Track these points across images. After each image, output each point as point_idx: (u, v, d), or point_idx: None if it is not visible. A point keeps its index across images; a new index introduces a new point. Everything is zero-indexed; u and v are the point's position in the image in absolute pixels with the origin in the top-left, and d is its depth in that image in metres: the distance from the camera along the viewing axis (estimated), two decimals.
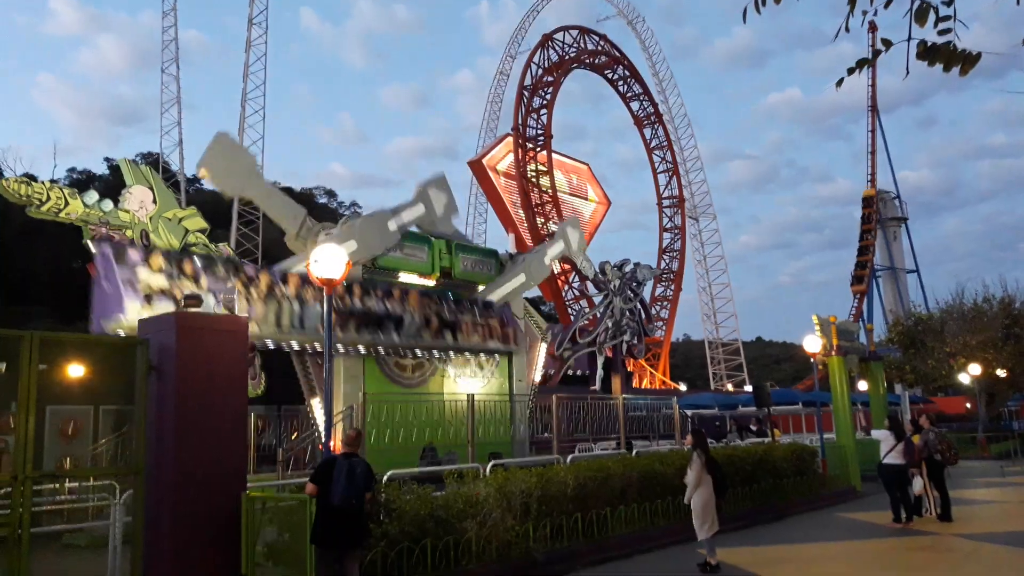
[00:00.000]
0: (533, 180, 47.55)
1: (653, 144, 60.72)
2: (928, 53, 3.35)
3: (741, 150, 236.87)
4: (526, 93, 49.65)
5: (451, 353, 18.81)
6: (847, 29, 3.47)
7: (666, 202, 60.09)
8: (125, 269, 12.94)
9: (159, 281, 13.15)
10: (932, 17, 3.25)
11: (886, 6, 3.42)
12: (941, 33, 3.31)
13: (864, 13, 3.43)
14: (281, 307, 15.08)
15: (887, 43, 3.39)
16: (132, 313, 12.30)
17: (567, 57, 53.26)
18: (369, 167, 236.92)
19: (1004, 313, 33.45)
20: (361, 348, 16.88)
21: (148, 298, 12.84)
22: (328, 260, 8.93)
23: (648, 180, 60.95)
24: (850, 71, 3.58)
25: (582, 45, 55.28)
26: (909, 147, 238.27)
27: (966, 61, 3.33)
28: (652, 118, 60.53)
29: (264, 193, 17.00)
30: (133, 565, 7.72)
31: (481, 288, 20.55)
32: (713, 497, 9.70)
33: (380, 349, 17.18)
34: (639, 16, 66.40)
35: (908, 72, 3.46)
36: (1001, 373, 33.01)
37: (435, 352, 18.46)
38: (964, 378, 33.46)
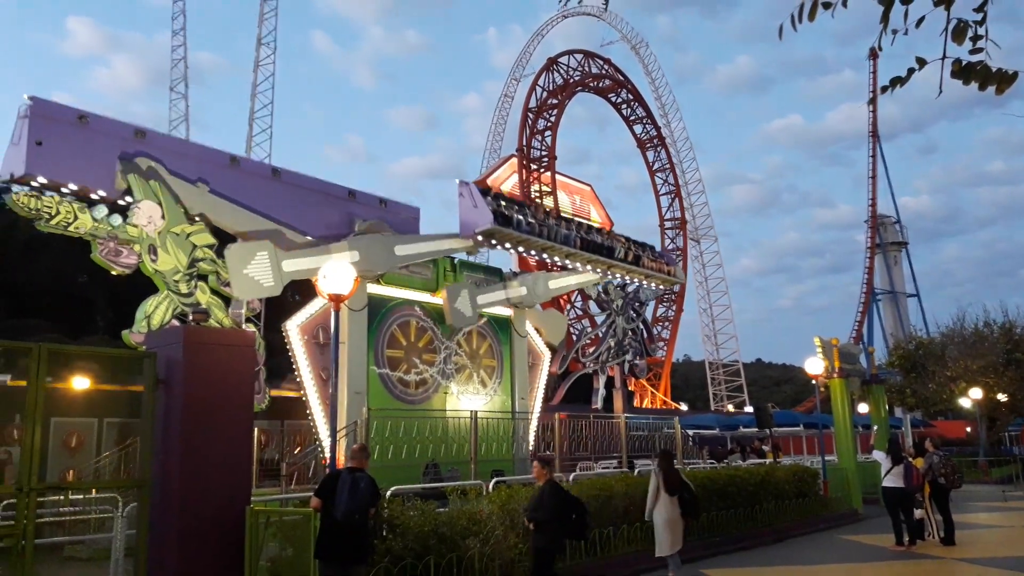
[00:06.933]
0: (537, 201, 47.75)
1: (656, 167, 61.10)
2: (963, 72, 3.32)
3: (743, 174, 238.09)
4: (531, 115, 49.97)
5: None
6: (879, 48, 3.43)
7: (668, 224, 60.34)
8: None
9: None
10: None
11: (917, 25, 3.38)
12: (973, 52, 3.30)
13: (895, 32, 3.38)
14: None
15: (921, 61, 3.38)
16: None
17: (571, 80, 53.66)
18: (376, 187, 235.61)
19: (1005, 338, 33.50)
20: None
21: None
22: (336, 276, 9.00)
23: (651, 203, 61.30)
24: (883, 89, 3.57)
25: (586, 69, 55.72)
26: (910, 174, 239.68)
27: (1003, 80, 3.30)
28: (655, 141, 60.93)
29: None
30: None
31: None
32: (679, 518, 9.57)
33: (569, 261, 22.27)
34: (643, 41, 66.92)
35: (941, 91, 3.42)
36: (1002, 398, 32.97)
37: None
38: (965, 402, 33.40)
